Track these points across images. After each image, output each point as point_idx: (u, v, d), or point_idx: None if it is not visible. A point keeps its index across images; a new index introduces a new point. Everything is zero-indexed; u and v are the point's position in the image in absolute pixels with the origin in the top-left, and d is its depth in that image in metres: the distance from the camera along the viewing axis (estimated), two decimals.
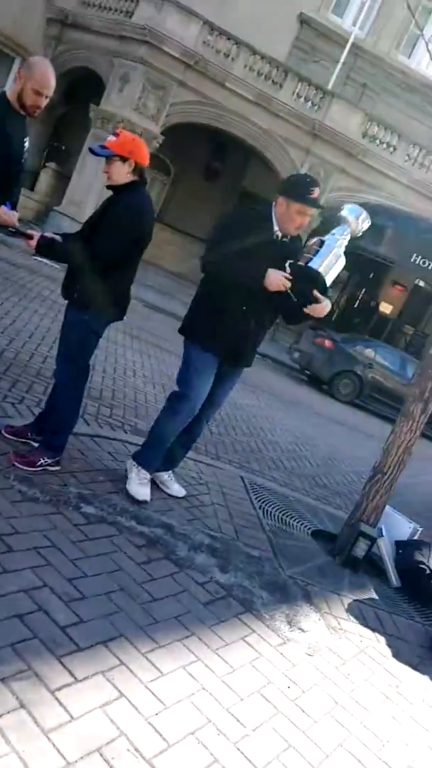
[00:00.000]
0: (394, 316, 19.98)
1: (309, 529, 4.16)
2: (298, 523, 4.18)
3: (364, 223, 3.21)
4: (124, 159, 2.90)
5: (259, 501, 4.19)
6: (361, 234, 3.27)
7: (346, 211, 3.19)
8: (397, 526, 4.17)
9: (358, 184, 16.03)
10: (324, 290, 3.03)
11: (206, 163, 17.50)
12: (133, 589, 2.51)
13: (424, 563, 3.93)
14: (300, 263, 3.01)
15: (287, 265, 3.02)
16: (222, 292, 3.14)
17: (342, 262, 3.12)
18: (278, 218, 3.09)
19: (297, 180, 3.34)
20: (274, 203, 3.12)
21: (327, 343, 12.05)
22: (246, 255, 3.00)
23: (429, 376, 4.06)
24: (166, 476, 3.59)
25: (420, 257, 14.52)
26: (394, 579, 3.83)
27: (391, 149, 16.05)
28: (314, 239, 3.11)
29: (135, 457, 3.39)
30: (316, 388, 12.09)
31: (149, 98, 14.13)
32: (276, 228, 3.10)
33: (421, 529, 4.24)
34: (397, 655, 3.07)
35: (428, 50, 12.86)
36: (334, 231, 3.15)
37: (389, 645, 3.13)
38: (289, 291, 2.98)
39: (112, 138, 2.93)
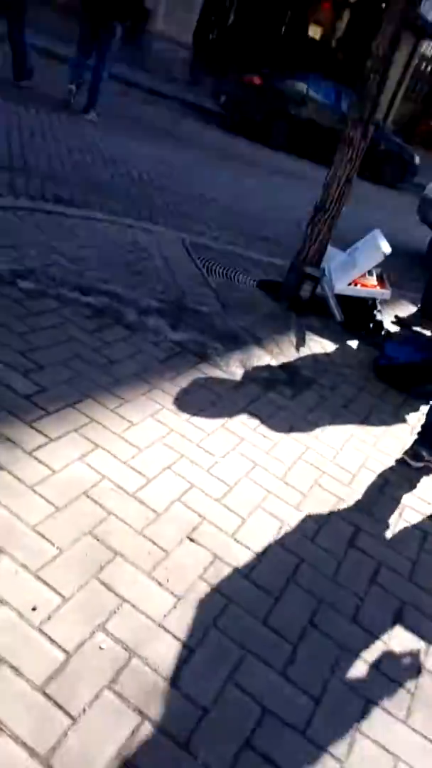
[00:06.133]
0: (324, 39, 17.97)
1: (254, 281, 4.18)
2: (243, 276, 4.18)
3: None
4: None
5: (202, 261, 4.12)
6: None
7: None
8: (335, 256, 4.21)
9: None
10: None
11: None
12: (89, 356, 2.54)
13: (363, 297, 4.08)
14: None
15: None
16: None
17: None
18: None
19: None
20: None
21: (256, 80, 10.90)
22: None
23: (371, 97, 3.77)
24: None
25: None
26: (337, 314, 4.00)
27: None
28: None
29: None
30: (247, 135, 11.25)
31: None
32: None
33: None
34: (344, 381, 3.33)
35: None
36: None
37: (338, 373, 3.38)
38: None
39: None
